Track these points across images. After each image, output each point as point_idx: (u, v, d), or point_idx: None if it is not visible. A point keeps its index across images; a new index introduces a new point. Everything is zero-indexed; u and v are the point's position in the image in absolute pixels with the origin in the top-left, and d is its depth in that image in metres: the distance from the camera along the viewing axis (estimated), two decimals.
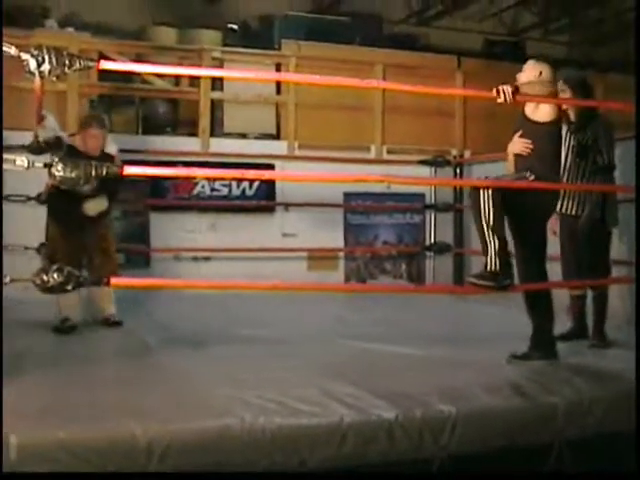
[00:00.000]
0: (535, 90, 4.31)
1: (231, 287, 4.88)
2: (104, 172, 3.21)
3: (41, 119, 5.07)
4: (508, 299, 4.95)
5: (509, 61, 9.93)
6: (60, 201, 5.50)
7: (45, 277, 3.28)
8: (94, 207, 5.64)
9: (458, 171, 8.57)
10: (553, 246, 5.39)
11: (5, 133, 6.83)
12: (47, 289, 3.32)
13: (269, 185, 8.40)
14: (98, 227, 5.85)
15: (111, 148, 5.81)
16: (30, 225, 6.51)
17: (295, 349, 4.96)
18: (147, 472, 2.99)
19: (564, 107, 5.17)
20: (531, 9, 11.27)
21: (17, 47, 3.29)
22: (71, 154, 5.17)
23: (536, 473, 3.55)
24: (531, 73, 4.35)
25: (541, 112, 4.30)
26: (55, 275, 3.25)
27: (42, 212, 6.25)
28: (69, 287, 3.32)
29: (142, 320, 6.02)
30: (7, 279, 3.44)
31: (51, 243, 5.84)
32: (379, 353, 4.81)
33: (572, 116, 5.19)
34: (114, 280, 3.56)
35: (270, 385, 3.79)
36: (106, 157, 5.49)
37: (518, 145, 4.36)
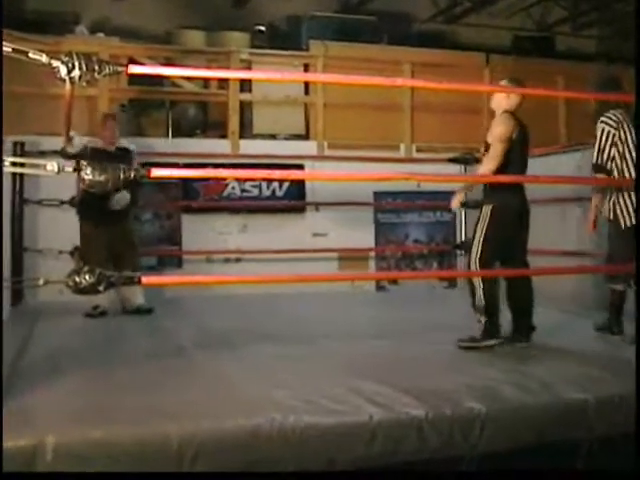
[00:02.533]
0: (502, 105, 4.83)
1: (257, 282, 4.92)
2: (132, 174, 3.27)
3: (70, 139, 5.68)
4: (543, 297, 4.93)
5: (540, 56, 9.91)
6: (88, 200, 6.10)
7: (77, 279, 3.33)
8: (119, 201, 6.24)
9: None
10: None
11: (37, 138, 7.06)
12: (80, 290, 3.37)
13: (299, 185, 8.42)
14: (124, 222, 6.48)
15: (130, 146, 6.57)
16: (65, 229, 6.65)
17: (324, 348, 4.97)
18: (180, 472, 3.03)
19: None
20: (560, 3, 11.16)
21: (48, 54, 3.34)
22: (95, 154, 5.91)
23: (566, 470, 3.53)
24: (501, 93, 4.89)
25: (491, 136, 4.82)
26: (87, 276, 3.30)
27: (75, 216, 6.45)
28: (101, 288, 3.38)
29: (175, 321, 6.09)
30: (41, 281, 3.52)
31: (84, 242, 6.34)
32: (408, 351, 4.81)
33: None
34: (145, 279, 3.60)
35: (299, 384, 3.81)
36: (124, 150, 6.41)
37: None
